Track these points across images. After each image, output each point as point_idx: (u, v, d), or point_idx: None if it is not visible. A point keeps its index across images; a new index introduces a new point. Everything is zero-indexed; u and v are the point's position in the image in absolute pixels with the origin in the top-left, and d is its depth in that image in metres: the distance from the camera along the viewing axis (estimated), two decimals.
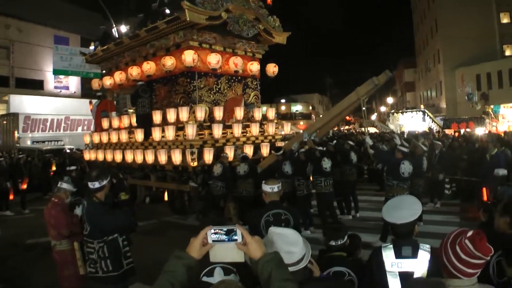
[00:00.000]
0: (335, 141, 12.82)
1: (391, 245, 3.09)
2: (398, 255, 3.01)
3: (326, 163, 9.71)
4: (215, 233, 1.87)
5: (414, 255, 3.00)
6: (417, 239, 3.15)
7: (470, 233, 2.00)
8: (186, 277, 1.85)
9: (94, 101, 16.61)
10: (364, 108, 10.72)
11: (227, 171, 10.38)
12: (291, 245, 2.39)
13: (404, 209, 3.08)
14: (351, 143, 11.73)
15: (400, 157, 8.58)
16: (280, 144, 12.75)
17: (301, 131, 12.53)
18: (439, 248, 2.15)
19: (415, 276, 2.94)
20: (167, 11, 12.32)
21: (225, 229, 1.86)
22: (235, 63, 12.59)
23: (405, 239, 3.08)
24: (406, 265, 2.98)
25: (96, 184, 4.54)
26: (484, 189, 10.79)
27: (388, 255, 3.04)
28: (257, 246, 1.89)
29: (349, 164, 11.23)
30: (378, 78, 9.96)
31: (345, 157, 11.26)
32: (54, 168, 17.41)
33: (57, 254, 5.56)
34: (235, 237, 1.86)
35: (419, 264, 2.95)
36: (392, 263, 3.00)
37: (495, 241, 2.12)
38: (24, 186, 14.04)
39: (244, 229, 1.88)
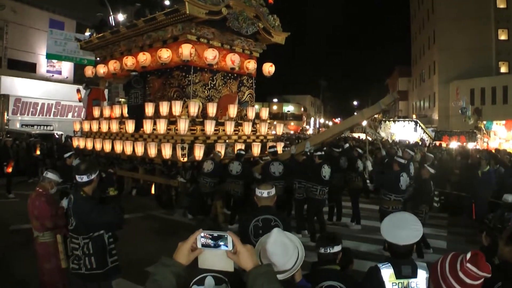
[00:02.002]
0: (347, 145, 12.41)
1: (389, 264, 3.01)
2: (399, 275, 2.95)
3: (326, 171, 9.20)
4: (204, 237, 1.77)
5: (414, 274, 2.95)
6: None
7: (468, 256, 1.94)
8: (175, 285, 1.73)
9: (81, 89, 16.32)
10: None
11: (219, 169, 10.26)
12: (286, 262, 2.31)
13: (406, 229, 2.98)
14: (360, 150, 11.42)
15: (397, 169, 8.39)
16: (271, 144, 12.65)
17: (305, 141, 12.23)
18: (435, 281, 2.07)
19: None
20: (166, 2, 12.20)
21: (215, 234, 1.77)
22: (232, 60, 12.47)
23: (404, 259, 3.01)
24: (407, 285, 2.94)
25: (85, 178, 4.39)
26: (474, 205, 10.81)
27: (387, 275, 2.97)
28: (249, 256, 1.77)
29: (355, 172, 10.86)
30: (384, 102, 9.93)
31: (351, 164, 10.88)
32: (38, 152, 17.20)
33: (39, 246, 5.41)
34: (224, 244, 1.75)
35: (419, 284, 2.92)
36: (393, 284, 2.94)
37: (497, 270, 2.05)
38: (9, 170, 13.78)
39: (236, 237, 1.77)
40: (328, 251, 3.45)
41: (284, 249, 2.31)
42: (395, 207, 8.02)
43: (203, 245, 1.77)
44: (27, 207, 5.47)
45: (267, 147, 12.50)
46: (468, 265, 1.93)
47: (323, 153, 9.97)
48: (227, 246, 1.76)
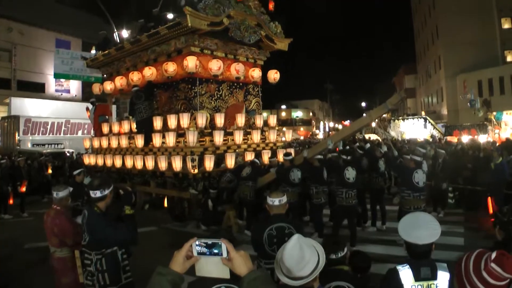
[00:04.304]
0: (368, 145, 12.19)
1: (408, 266, 2.94)
2: (417, 277, 2.87)
3: (350, 173, 8.91)
4: (199, 245, 1.81)
5: (433, 276, 2.87)
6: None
7: (494, 256, 1.92)
8: None
9: (90, 107, 16.43)
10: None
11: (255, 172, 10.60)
12: (302, 268, 2.30)
13: (423, 228, 2.92)
14: (382, 150, 11.32)
15: (413, 166, 8.32)
16: (286, 151, 12.57)
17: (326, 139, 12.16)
18: (459, 279, 2.06)
19: None
20: (169, 16, 12.27)
21: (209, 242, 1.81)
22: (236, 69, 12.53)
23: (422, 260, 2.94)
24: (427, 287, 2.86)
25: (98, 193, 4.44)
26: (489, 199, 10.69)
27: (406, 277, 2.90)
28: (242, 261, 1.80)
29: (376, 172, 10.65)
30: (391, 101, 9.88)
31: (373, 164, 10.67)
32: (50, 171, 17.33)
33: (57, 261, 5.37)
34: (217, 251, 1.79)
35: (440, 286, 2.84)
36: (412, 286, 2.87)
37: None
38: (23, 189, 13.94)
39: (230, 244, 1.80)
40: (339, 255, 3.51)
41: (300, 254, 2.27)
42: (416, 206, 7.94)
43: (198, 253, 1.81)
44: (44, 225, 5.44)
45: (277, 153, 12.54)
46: (493, 264, 1.90)
47: (347, 157, 9.68)
48: (219, 253, 1.79)
